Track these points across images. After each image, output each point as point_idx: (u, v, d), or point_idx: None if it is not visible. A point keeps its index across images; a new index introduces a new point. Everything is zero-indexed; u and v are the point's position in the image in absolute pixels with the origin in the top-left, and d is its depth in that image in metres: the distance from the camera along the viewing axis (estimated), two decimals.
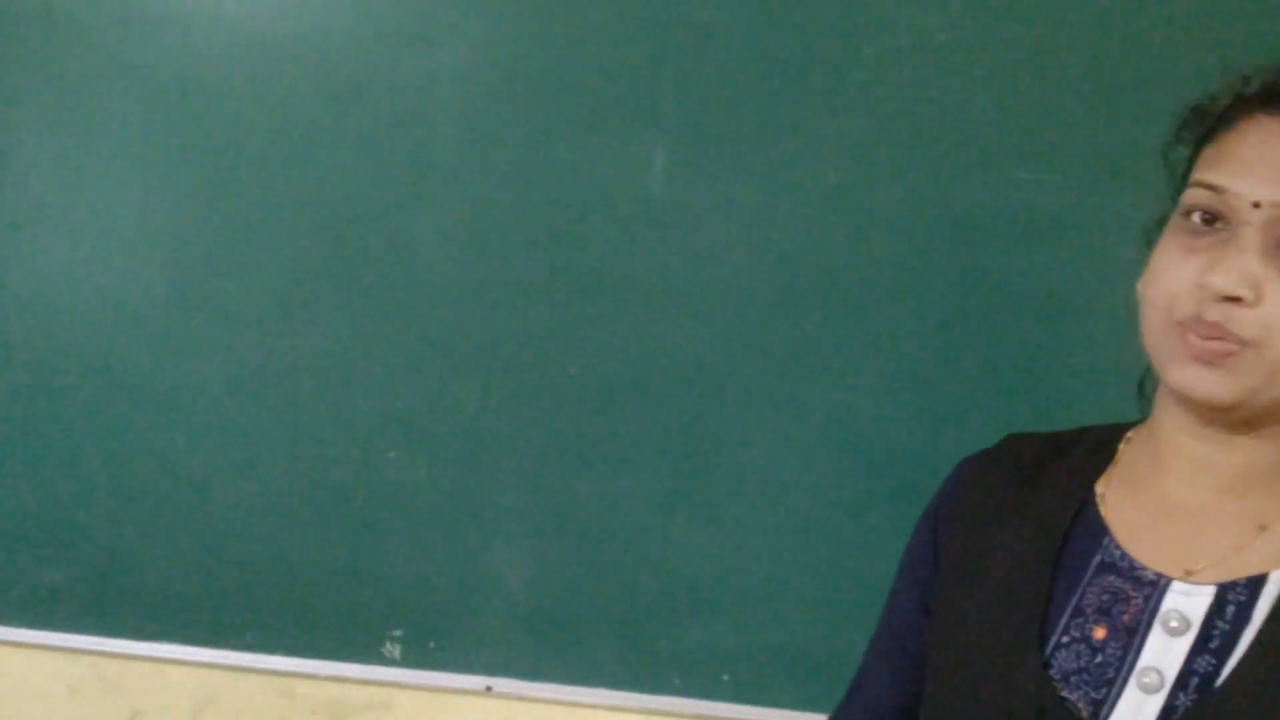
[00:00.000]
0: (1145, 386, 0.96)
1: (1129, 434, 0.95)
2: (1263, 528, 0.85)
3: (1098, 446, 0.95)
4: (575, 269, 1.42)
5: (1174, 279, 0.84)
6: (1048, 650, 0.86)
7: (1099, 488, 0.92)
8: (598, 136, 1.41)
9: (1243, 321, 0.81)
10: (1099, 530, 0.90)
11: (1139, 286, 0.89)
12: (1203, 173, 0.86)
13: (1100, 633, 0.85)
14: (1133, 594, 0.86)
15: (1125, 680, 0.83)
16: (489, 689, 1.48)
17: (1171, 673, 0.82)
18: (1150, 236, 0.93)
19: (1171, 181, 0.93)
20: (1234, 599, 0.83)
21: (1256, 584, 0.83)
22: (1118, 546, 0.88)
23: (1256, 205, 0.81)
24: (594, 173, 1.41)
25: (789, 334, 1.38)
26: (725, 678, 1.41)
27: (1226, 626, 0.82)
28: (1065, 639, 0.87)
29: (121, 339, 1.52)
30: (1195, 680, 0.81)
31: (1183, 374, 0.83)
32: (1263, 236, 0.81)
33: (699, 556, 1.42)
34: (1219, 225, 0.83)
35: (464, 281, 1.45)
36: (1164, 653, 0.83)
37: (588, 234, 1.42)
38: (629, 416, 1.42)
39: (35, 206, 1.53)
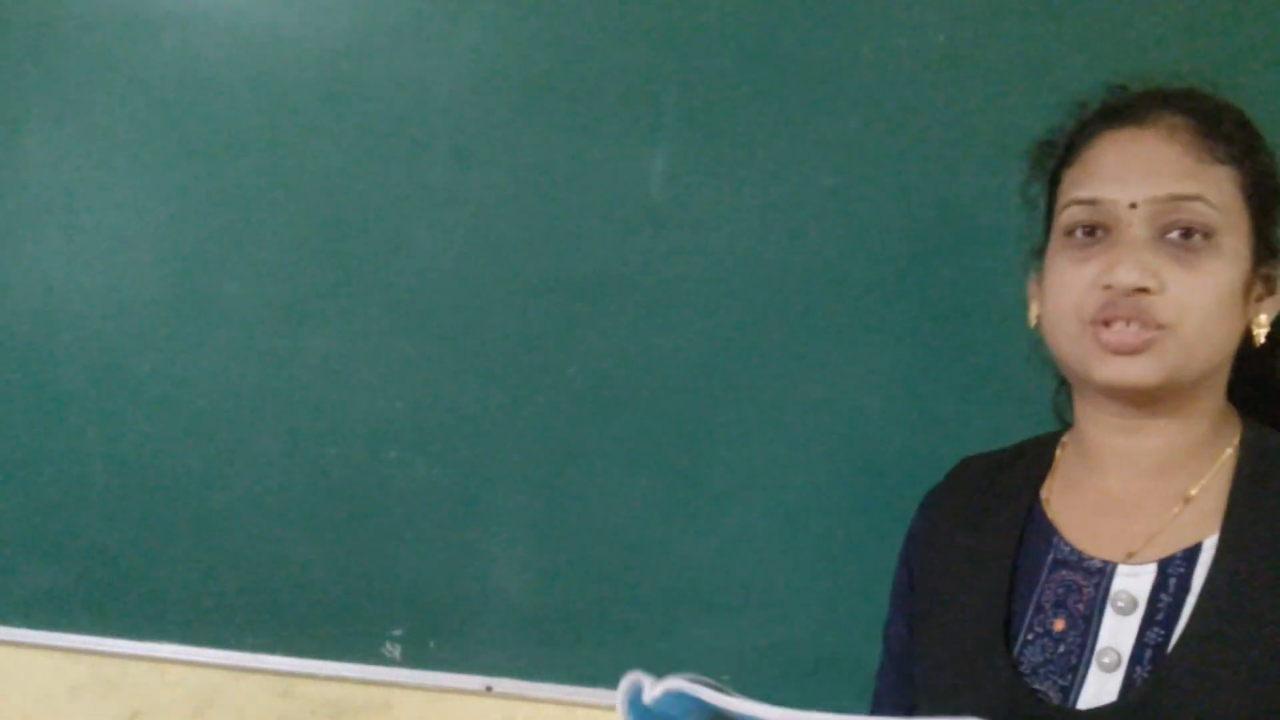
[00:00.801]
0: (1059, 402, 1.03)
1: (1064, 439, 1.02)
2: (1187, 500, 0.91)
3: (1037, 456, 1.02)
4: (575, 269, 1.42)
5: (1075, 285, 0.90)
6: (1016, 649, 0.92)
7: (1043, 493, 0.99)
8: (598, 137, 1.41)
9: (1156, 308, 0.87)
10: (1048, 531, 0.96)
11: (1033, 314, 0.97)
12: (1073, 192, 0.93)
13: (1060, 624, 0.91)
14: (1084, 583, 0.92)
15: (1088, 664, 0.89)
16: (489, 689, 1.48)
17: (1126, 650, 0.88)
18: (1026, 270, 0.99)
19: (1033, 216, 1.00)
20: (1174, 572, 0.89)
21: (1192, 554, 0.89)
22: (1066, 543, 0.94)
23: (1133, 205, 0.89)
24: (594, 173, 1.41)
25: (788, 334, 1.38)
26: (725, 678, 1.40)
27: (1170, 599, 0.88)
28: (1030, 635, 0.93)
29: (121, 339, 1.52)
30: (1149, 653, 0.87)
31: (1108, 368, 0.89)
32: (1148, 229, 0.88)
33: (699, 556, 1.42)
34: (1100, 234, 0.90)
35: (463, 281, 1.45)
36: (1117, 632, 0.89)
37: (587, 234, 1.42)
38: (629, 416, 1.42)
39: (35, 206, 1.53)
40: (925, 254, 1.35)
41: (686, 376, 1.41)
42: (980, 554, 0.98)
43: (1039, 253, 0.98)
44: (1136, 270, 0.87)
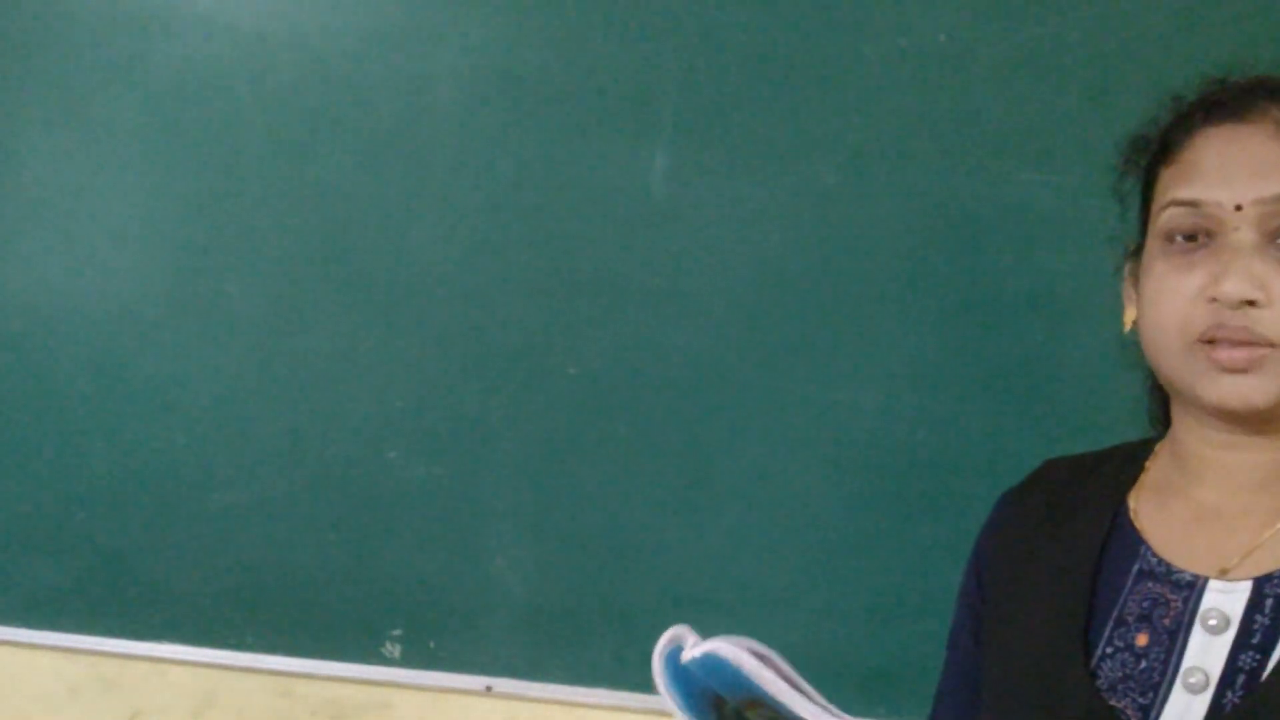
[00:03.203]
0: (1153, 409, 0.98)
1: (1156, 448, 0.96)
2: None
3: (1126, 462, 0.96)
4: (575, 269, 1.42)
5: (1179, 298, 0.85)
6: (1093, 662, 0.87)
7: (1131, 501, 0.93)
8: (598, 136, 1.40)
9: (1265, 321, 0.81)
10: (1135, 540, 0.90)
11: (1129, 319, 0.91)
12: (1173, 193, 0.86)
13: (1143, 639, 0.86)
14: (1171, 597, 0.86)
15: (1171, 683, 0.84)
16: (489, 689, 1.48)
17: (1216, 671, 0.82)
18: (1122, 272, 0.94)
19: (1126, 215, 0.94)
20: (1271, 592, 0.83)
21: None
22: (1154, 554, 0.89)
23: (1239, 208, 0.83)
24: (594, 173, 1.41)
25: (788, 334, 1.38)
26: None
27: (1267, 621, 0.82)
28: (1109, 649, 0.87)
29: (121, 339, 1.52)
30: (1241, 677, 0.81)
31: (1218, 388, 0.84)
32: (1256, 234, 0.82)
33: (699, 556, 1.42)
34: (1203, 239, 0.85)
35: (464, 281, 1.45)
36: (1206, 652, 0.83)
37: (587, 234, 1.42)
38: (629, 416, 1.42)
39: (35, 206, 1.53)
40: (926, 253, 1.35)
41: (687, 376, 1.41)
42: (1059, 561, 0.92)
43: (1134, 253, 0.92)
44: (1246, 281, 0.81)
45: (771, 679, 0.74)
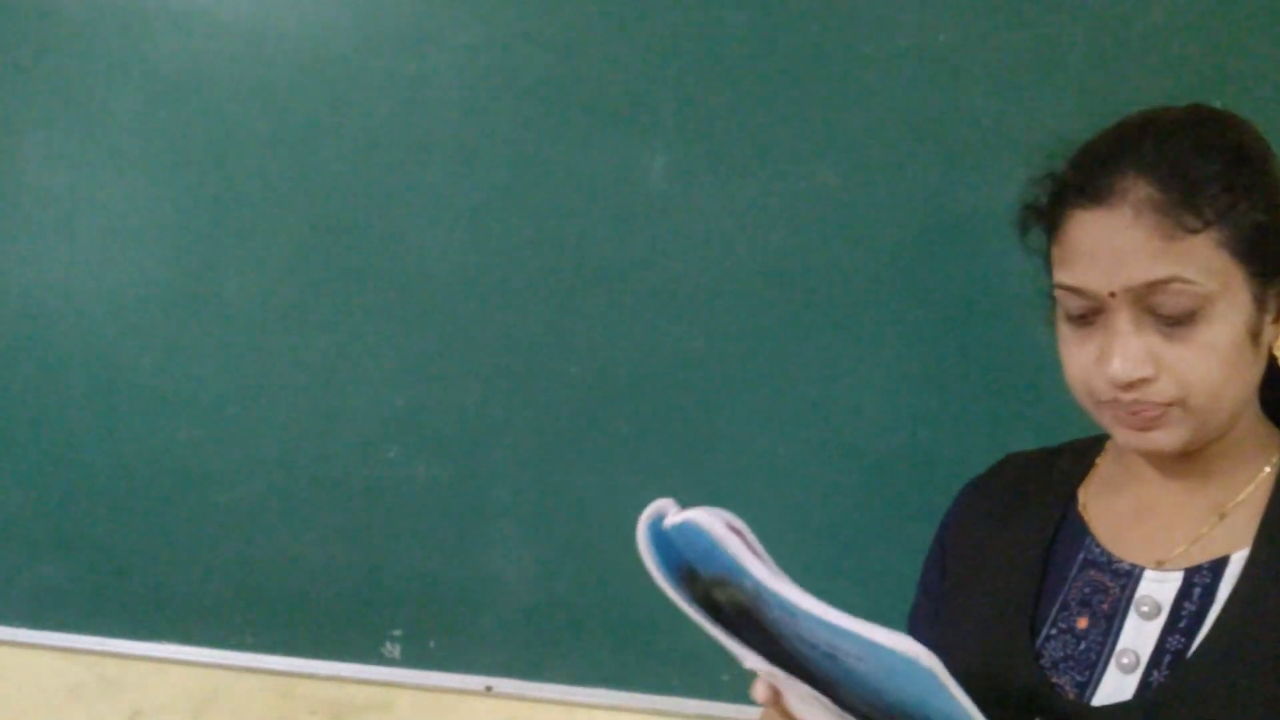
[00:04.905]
0: None
1: (1107, 444, 1.02)
2: (1222, 515, 0.92)
3: (1079, 457, 1.03)
4: (575, 268, 1.42)
5: (1080, 369, 0.91)
6: (1039, 642, 0.94)
7: (1081, 494, 1.00)
8: (597, 136, 1.41)
9: (1158, 391, 0.87)
10: (1081, 532, 0.97)
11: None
12: (1059, 275, 0.91)
13: (1083, 622, 0.92)
14: (1110, 585, 0.93)
15: (1106, 663, 0.90)
16: (489, 689, 1.48)
17: (1146, 652, 0.89)
18: (1046, 305, 0.97)
19: (1033, 260, 0.97)
20: (1199, 581, 0.89)
21: (1219, 566, 0.90)
22: (1098, 544, 0.96)
23: (1112, 295, 0.87)
24: (593, 173, 1.41)
25: (788, 333, 1.38)
26: (725, 678, 1.41)
27: (1194, 607, 0.89)
28: (1053, 631, 0.94)
29: (121, 338, 1.52)
30: (1168, 658, 0.88)
31: (1127, 439, 0.91)
32: (1132, 314, 0.87)
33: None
34: (1092, 316, 0.89)
35: (463, 281, 1.45)
36: (1138, 635, 0.90)
37: (587, 233, 1.42)
38: (629, 415, 1.42)
39: (35, 206, 1.53)
40: (926, 253, 1.35)
41: (687, 375, 1.41)
42: (1013, 548, 0.99)
43: (1049, 294, 0.96)
44: (1129, 363, 0.86)
45: (738, 545, 0.78)
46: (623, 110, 1.40)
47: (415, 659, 1.49)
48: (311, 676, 1.53)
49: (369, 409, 1.48)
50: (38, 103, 1.52)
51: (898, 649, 0.71)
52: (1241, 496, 0.92)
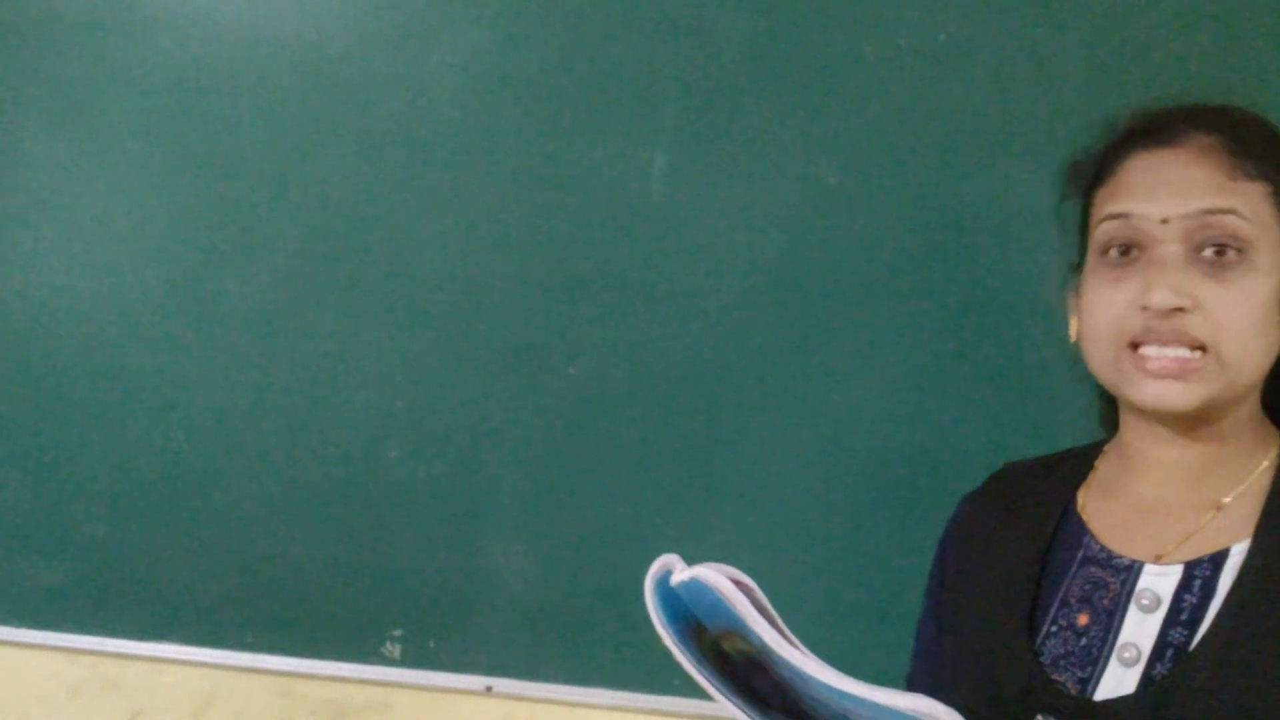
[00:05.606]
0: (1104, 413, 1.04)
1: (1105, 448, 1.03)
2: (1219, 507, 0.93)
3: (1078, 462, 1.04)
4: (575, 269, 1.42)
5: (1113, 308, 0.92)
6: (1039, 640, 0.94)
7: (1080, 497, 1.00)
8: (598, 136, 1.41)
9: (1192, 326, 0.88)
10: (1080, 531, 0.98)
11: (1073, 330, 0.97)
12: (1107, 208, 0.94)
13: (1084, 618, 0.93)
14: (1110, 580, 0.94)
15: (1108, 658, 0.91)
16: (489, 689, 1.48)
17: (1147, 646, 0.89)
18: (1065, 286, 0.99)
19: (1067, 236, 1.00)
20: (1200, 574, 0.90)
21: (1219, 559, 0.90)
22: (1097, 542, 0.96)
23: (1165, 221, 0.89)
24: (594, 173, 1.41)
25: (788, 334, 1.38)
26: None
27: (1194, 600, 0.89)
28: (1054, 628, 0.94)
29: (122, 339, 1.52)
30: (1170, 651, 0.88)
31: (1146, 392, 0.90)
32: (1182, 247, 0.89)
33: (699, 556, 1.41)
34: (1135, 253, 0.91)
35: (463, 281, 1.45)
36: (1140, 628, 0.90)
37: (587, 234, 1.42)
38: (629, 416, 1.42)
39: (35, 206, 1.53)
40: (926, 253, 1.35)
41: (687, 376, 1.41)
42: (1011, 550, 1.00)
43: (1076, 269, 0.99)
44: (1169, 290, 0.87)
45: (745, 604, 0.78)
46: (623, 110, 1.40)
47: (415, 659, 1.49)
48: (311, 676, 1.53)
49: (369, 409, 1.48)
50: (38, 105, 1.52)
51: (916, 711, 0.71)
52: (1240, 490, 0.93)
